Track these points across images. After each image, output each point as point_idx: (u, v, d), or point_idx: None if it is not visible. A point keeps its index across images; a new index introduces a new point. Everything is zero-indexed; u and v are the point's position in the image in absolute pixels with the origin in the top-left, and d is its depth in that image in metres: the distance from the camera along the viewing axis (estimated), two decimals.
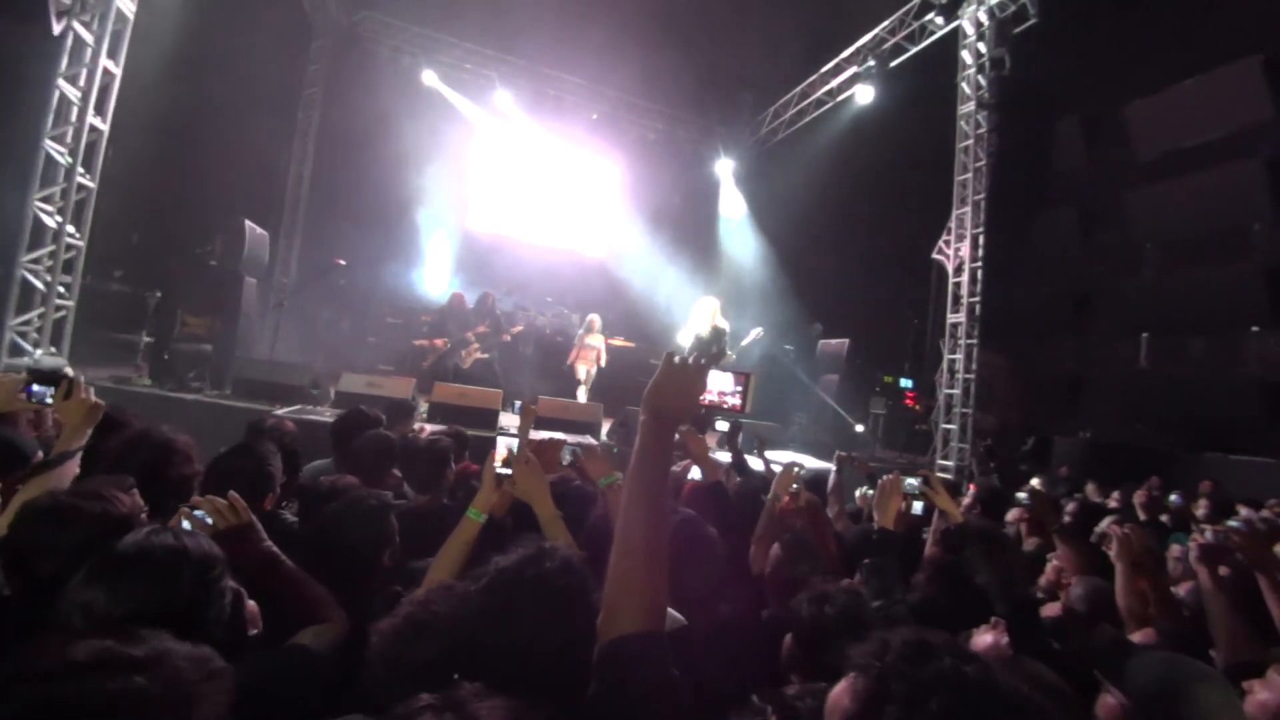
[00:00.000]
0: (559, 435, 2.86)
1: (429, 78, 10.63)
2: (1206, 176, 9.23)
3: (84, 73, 6.12)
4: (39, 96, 6.04)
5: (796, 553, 2.07)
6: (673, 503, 1.95)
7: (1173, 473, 6.54)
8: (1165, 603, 2.34)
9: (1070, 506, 3.63)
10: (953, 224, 8.67)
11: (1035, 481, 7.05)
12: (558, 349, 9.91)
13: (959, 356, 8.46)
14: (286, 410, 5.16)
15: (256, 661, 1.33)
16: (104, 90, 6.30)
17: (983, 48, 8.43)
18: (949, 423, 8.47)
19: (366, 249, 9.80)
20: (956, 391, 8.44)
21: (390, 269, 10.05)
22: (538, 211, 12.18)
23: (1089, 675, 1.52)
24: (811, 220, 11.21)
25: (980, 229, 8.43)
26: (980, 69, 8.47)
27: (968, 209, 8.51)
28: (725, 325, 7.22)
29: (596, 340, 8.63)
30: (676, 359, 1.21)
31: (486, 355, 8.04)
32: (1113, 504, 3.84)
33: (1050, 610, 2.46)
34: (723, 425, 3.39)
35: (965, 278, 8.45)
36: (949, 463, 8.32)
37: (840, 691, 0.86)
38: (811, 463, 5.84)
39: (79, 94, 6.10)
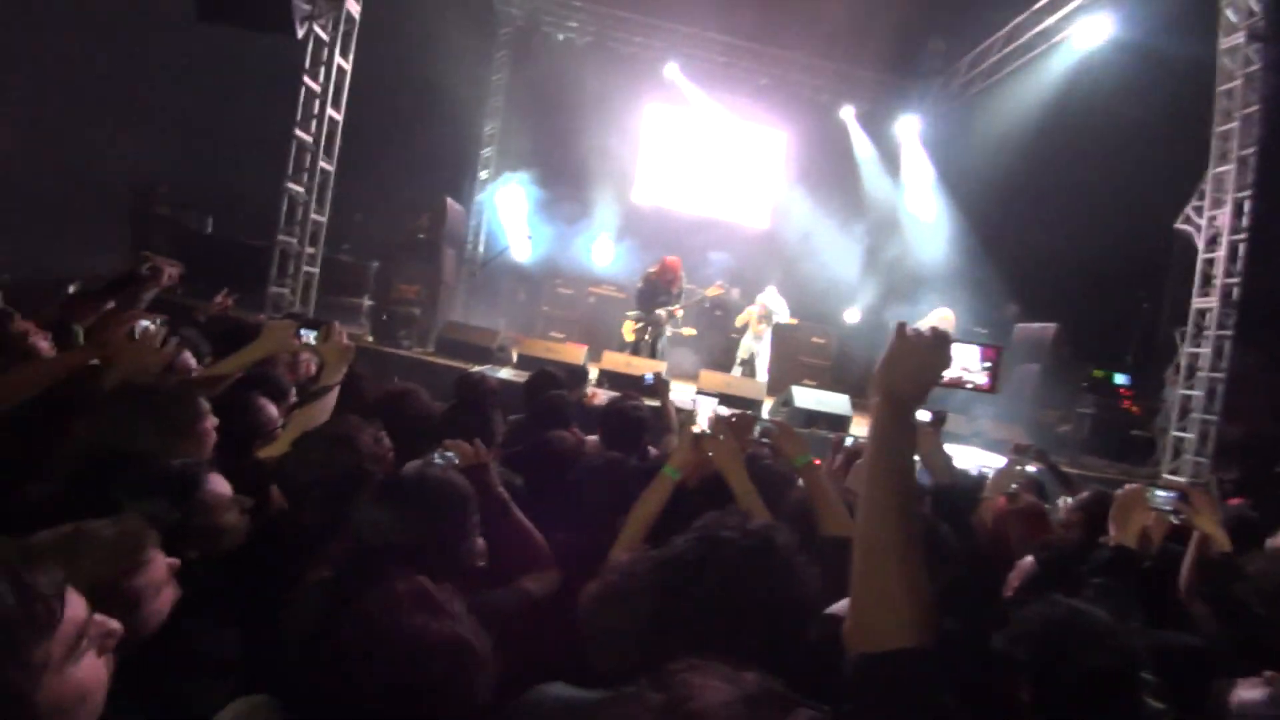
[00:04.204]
0: (752, 412, 2.81)
1: (602, 55, 10.90)
2: None
3: (322, 70, 7.09)
4: (289, 92, 7.13)
5: (1055, 570, 1.83)
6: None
7: None
8: None
9: None
10: (1208, 186, 7.08)
11: None
12: (717, 323, 9.85)
13: (1205, 350, 7.00)
14: (479, 368, 5.69)
15: (490, 594, 1.45)
16: (338, 85, 7.27)
17: None
18: (1182, 430, 7.09)
19: (541, 222, 10.42)
20: (1198, 393, 7.01)
21: (561, 241, 10.58)
22: (702, 183, 12.05)
23: None
24: (1012, 184, 9.78)
25: (1247, 192, 6.79)
26: None
27: (1230, 167, 6.89)
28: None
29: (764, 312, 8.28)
30: (909, 329, 1.07)
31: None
32: None
33: None
34: (922, 414, 3.08)
35: (1222, 253, 6.90)
36: (1179, 479, 6.98)
37: None
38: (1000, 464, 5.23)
39: (319, 89, 7.08)
